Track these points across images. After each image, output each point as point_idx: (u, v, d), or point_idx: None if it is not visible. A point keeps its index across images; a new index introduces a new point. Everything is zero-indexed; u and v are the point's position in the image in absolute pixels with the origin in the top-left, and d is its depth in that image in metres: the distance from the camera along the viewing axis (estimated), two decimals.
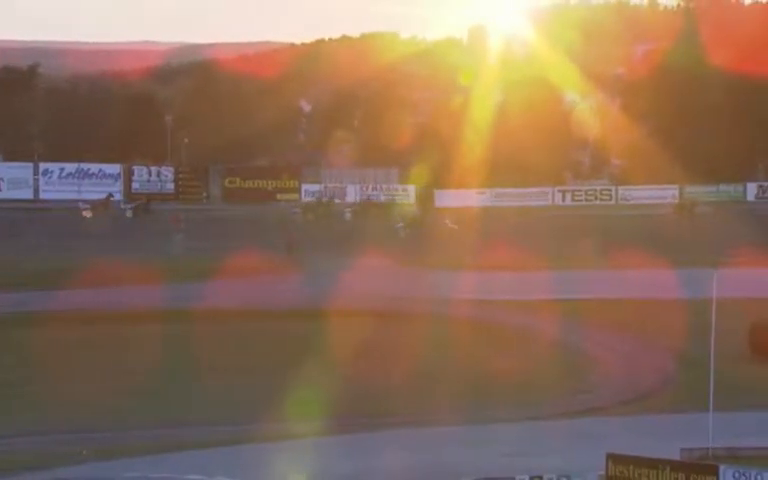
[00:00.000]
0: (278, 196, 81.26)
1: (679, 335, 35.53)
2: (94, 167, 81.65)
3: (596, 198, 79.47)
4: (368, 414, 27.91)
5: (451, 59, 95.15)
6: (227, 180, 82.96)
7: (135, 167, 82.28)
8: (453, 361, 33.54)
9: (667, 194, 77.56)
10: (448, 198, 78.57)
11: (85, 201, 75.94)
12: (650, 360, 33.96)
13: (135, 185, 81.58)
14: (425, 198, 78.72)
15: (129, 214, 73.83)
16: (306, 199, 79.20)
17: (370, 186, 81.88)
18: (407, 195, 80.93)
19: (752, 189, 78.07)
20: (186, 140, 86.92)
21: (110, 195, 77.62)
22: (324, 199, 77.34)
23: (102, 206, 74.44)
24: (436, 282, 46.94)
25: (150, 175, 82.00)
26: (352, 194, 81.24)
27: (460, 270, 49.46)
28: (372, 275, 48.49)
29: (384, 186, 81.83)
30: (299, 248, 56.55)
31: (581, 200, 79.69)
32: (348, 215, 73.14)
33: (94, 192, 79.42)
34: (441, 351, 34.66)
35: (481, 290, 44.98)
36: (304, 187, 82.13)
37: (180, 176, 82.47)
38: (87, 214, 72.56)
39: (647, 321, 38.49)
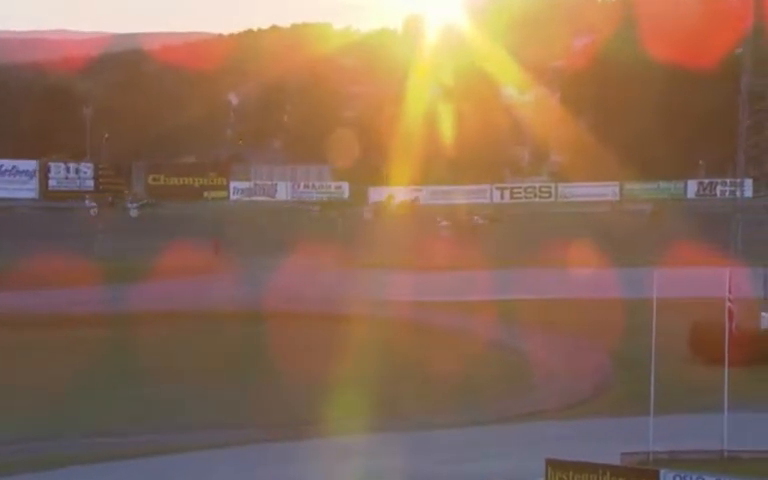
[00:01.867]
0: (205, 194, 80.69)
1: (620, 336, 36.08)
2: (7, 163, 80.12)
3: (535, 195, 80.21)
4: (301, 420, 27.87)
5: (386, 51, 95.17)
6: (151, 177, 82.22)
7: (52, 164, 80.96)
8: (392, 365, 33.63)
9: (607, 191, 78.68)
10: (383, 195, 78.68)
11: (92, 199, 74.99)
12: (590, 362, 34.42)
13: (52, 182, 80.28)
14: (359, 195, 78.90)
15: (134, 213, 72.61)
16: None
17: (302, 184, 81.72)
18: (341, 192, 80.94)
19: (692, 187, 79.53)
20: (107, 135, 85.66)
21: (125, 191, 76.89)
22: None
23: (108, 204, 73.55)
24: (374, 282, 47.16)
25: (68, 172, 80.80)
26: (283, 192, 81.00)
27: (399, 270, 49.85)
28: (307, 276, 48.71)
29: (317, 184, 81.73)
30: (228, 248, 56.63)
31: (520, 198, 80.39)
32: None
33: (7, 190, 77.93)
34: (380, 354, 34.69)
35: (420, 290, 45.51)
36: (233, 185, 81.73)
37: (100, 173, 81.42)
38: (93, 213, 71.73)
39: (587, 321, 39.04)
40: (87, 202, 75.41)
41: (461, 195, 78.55)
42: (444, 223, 68.05)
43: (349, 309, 41.67)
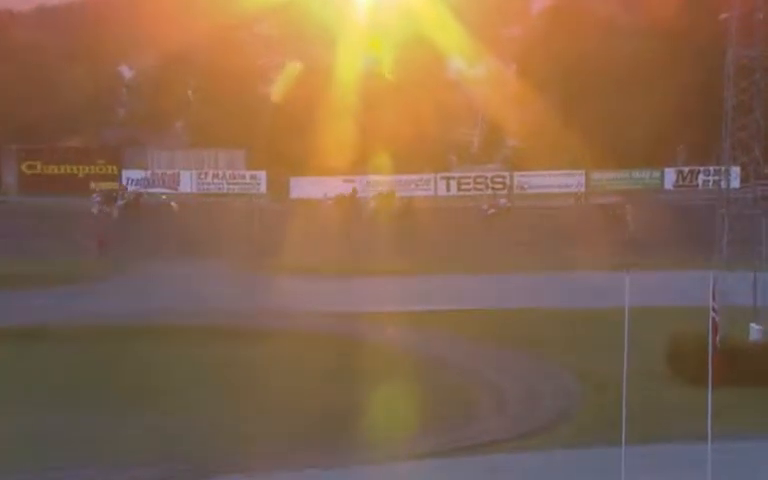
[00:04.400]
0: (92, 185, 79.76)
1: (585, 351, 36.50)
2: None
3: (487, 187, 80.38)
4: (189, 460, 27.67)
5: (310, 16, 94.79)
6: (25, 165, 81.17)
7: None
8: (311, 389, 33.62)
9: (572, 182, 79.22)
10: (307, 187, 78.46)
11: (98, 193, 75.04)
12: (552, 382, 34.60)
13: None
14: (279, 187, 78.55)
15: (115, 214, 71.17)
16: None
17: (210, 173, 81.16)
18: (257, 183, 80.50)
19: (670, 176, 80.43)
20: None
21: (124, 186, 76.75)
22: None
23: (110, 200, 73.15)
24: (288, 290, 47.76)
25: None
26: (187, 182, 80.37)
27: (319, 275, 49.89)
28: (207, 282, 49.18)
29: (228, 173, 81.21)
30: (113, 249, 56.92)
31: (469, 189, 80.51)
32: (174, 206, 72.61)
33: None
34: (295, 377, 34.71)
35: (346, 299, 46.18)
36: (126, 174, 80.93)
37: None
38: (94, 210, 71.54)
39: (547, 335, 39.42)
40: (95, 197, 74.65)
41: (400, 186, 78.52)
42: (372, 204, 68.97)
43: (259, 322, 41.98)
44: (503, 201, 73.66)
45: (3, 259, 53.33)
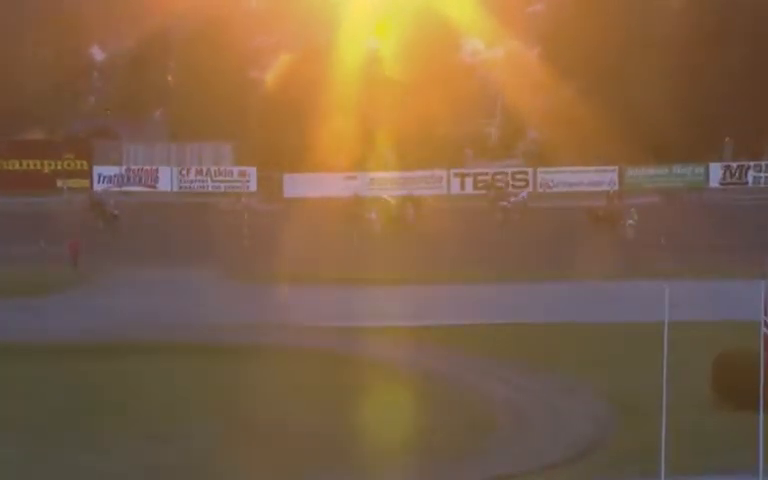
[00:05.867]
0: (59, 183, 79.98)
1: (620, 371, 36.30)
2: None
3: (507, 184, 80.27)
4: None
5: None
6: None
7: None
8: (311, 415, 33.72)
9: (603, 179, 78.98)
10: (303, 185, 78.39)
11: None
12: (578, 407, 34.53)
13: None
14: (271, 186, 78.53)
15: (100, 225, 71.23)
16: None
17: (192, 169, 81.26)
18: (246, 181, 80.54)
19: (716, 172, 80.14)
20: None
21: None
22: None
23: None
24: (285, 301, 47.74)
25: None
26: (167, 180, 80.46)
27: (315, 284, 50.46)
28: (185, 293, 49.47)
29: (213, 168, 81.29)
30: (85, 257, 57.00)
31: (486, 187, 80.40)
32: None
33: None
34: (295, 401, 34.79)
35: (347, 312, 46.12)
36: (97, 170, 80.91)
37: None
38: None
39: (572, 352, 39.31)
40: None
41: (409, 184, 78.44)
42: (373, 216, 69.00)
43: (250, 338, 41.95)
44: (523, 194, 73.47)
45: None
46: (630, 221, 65.84)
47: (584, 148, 77.51)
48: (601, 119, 74.15)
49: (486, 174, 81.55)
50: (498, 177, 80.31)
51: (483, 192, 76.85)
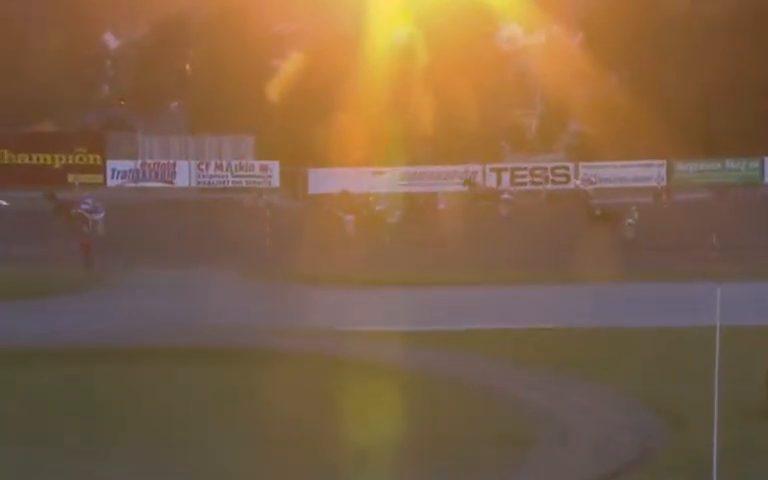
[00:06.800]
0: (71, 178, 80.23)
1: (668, 379, 36.26)
2: None
3: (547, 180, 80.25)
4: None
5: None
6: None
7: None
8: (339, 428, 33.21)
9: (650, 174, 78.85)
10: (329, 181, 78.45)
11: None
12: (623, 418, 34.31)
13: None
14: (295, 181, 78.69)
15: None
16: None
17: (212, 163, 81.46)
18: (268, 176, 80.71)
19: None
20: None
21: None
22: None
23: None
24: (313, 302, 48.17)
25: None
26: (185, 175, 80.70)
27: (341, 286, 50.97)
28: (203, 294, 49.69)
29: (234, 163, 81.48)
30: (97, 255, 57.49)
31: (525, 183, 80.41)
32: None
33: None
34: (317, 413, 34.62)
35: (372, 315, 46.45)
36: (111, 165, 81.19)
37: None
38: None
39: (615, 360, 39.21)
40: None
41: (441, 178, 78.49)
42: (349, 218, 69.27)
43: (269, 343, 42.14)
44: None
45: None
46: (630, 220, 65.55)
47: (629, 141, 77.44)
48: (647, 110, 74.05)
49: (524, 168, 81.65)
50: (537, 172, 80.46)
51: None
